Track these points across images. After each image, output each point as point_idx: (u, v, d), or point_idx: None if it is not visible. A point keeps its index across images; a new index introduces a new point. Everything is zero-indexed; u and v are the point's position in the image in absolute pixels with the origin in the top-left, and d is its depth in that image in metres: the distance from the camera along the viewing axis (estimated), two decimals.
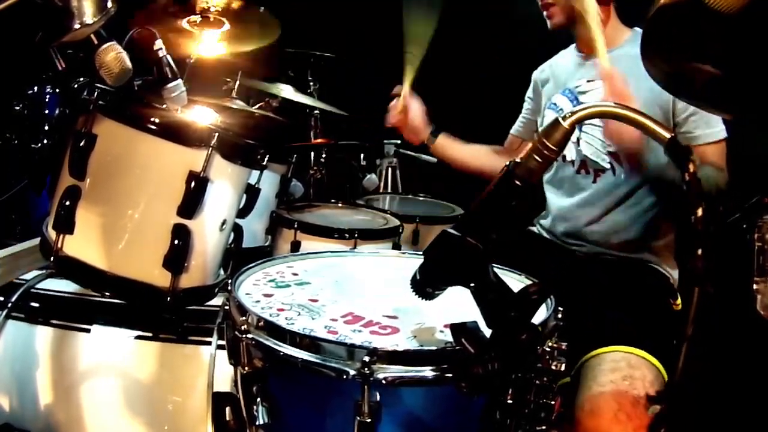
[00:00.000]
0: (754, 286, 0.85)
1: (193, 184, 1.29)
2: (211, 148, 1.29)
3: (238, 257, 1.60)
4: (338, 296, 1.10)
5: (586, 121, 1.59)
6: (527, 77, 1.94)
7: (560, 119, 0.82)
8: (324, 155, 2.84)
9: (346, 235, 1.89)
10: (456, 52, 3.20)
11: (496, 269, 0.87)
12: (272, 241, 2.07)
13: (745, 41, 0.71)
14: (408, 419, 0.88)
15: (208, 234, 1.37)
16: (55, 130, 2.07)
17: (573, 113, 0.82)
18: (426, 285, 0.88)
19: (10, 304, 1.46)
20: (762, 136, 1.59)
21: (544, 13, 1.66)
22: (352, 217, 2.21)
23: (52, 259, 1.30)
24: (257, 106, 2.46)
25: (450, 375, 0.83)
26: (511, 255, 1.18)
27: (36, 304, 1.47)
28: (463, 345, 0.83)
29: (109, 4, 1.09)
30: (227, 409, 1.16)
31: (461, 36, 3.18)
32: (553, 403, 0.93)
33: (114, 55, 1.16)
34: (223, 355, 1.33)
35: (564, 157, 1.67)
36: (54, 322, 1.45)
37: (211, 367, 1.38)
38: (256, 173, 1.61)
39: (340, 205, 2.34)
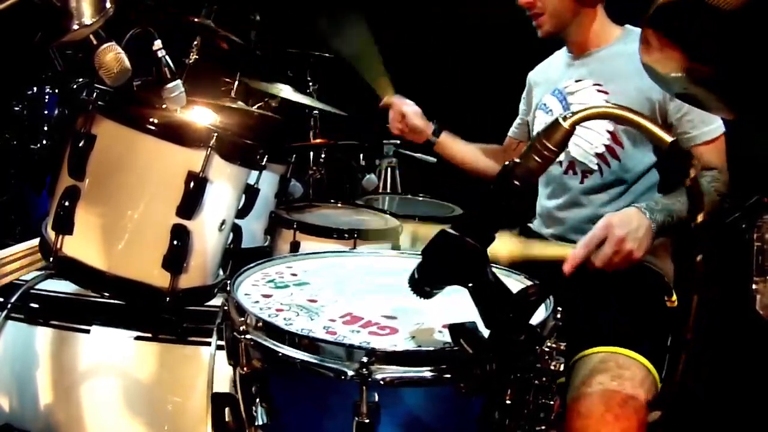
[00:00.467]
0: (754, 286, 0.85)
1: (192, 184, 1.28)
2: (210, 149, 1.29)
3: (237, 257, 1.60)
4: (337, 297, 1.10)
5: None
6: (524, 78, 1.95)
7: (560, 119, 0.82)
8: (323, 155, 2.84)
9: (346, 236, 1.89)
10: (454, 53, 3.22)
11: (494, 269, 0.87)
12: (271, 242, 2.07)
13: (744, 40, 0.71)
14: (406, 420, 0.88)
15: (208, 234, 1.37)
16: (54, 130, 2.08)
17: (574, 114, 0.82)
18: (424, 284, 0.88)
19: (9, 305, 1.45)
20: (762, 136, 1.58)
21: (533, 22, 1.65)
22: (351, 217, 2.21)
23: (51, 259, 1.30)
24: (256, 106, 2.47)
25: (448, 375, 0.83)
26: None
27: (35, 305, 1.47)
28: (462, 345, 0.83)
29: (108, 5, 1.09)
30: (226, 409, 1.16)
31: (458, 37, 3.19)
32: (552, 403, 0.93)
33: (113, 56, 1.15)
34: (222, 355, 1.33)
35: None
36: (53, 322, 1.45)
37: (210, 367, 1.38)
38: (255, 173, 1.61)
39: (339, 205, 2.34)
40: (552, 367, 0.92)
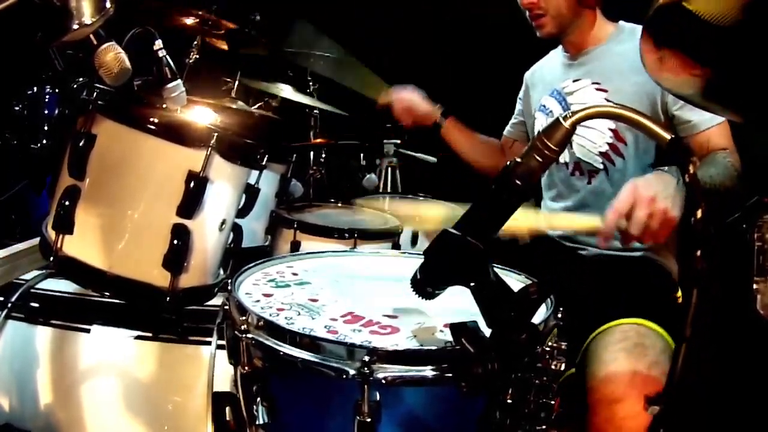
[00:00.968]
0: (754, 286, 0.85)
1: (192, 184, 1.29)
2: (210, 148, 1.29)
3: (237, 257, 1.60)
4: (338, 296, 1.10)
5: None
6: (520, 77, 1.94)
7: (561, 119, 0.82)
8: (324, 155, 2.84)
9: (346, 235, 1.89)
10: (450, 53, 3.22)
11: (496, 269, 0.87)
12: (272, 241, 2.07)
13: (742, 43, 0.71)
14: (408, 419, 0.88)
15: (208, 234, 1.37)
16: (54, 130, 2.08)
17: (574, 113, 0.82)
18: (426, 284, 0.88)
19: (10, 304, 1.46)
20: (762, 136, 1.58)
21: (533, 23, 1.65)
22: (351, 217, 2.21)
23: (51, 259, 1.30)
24: (257, 106, 2.47)
25: (450, 375, 0.83)
26: (512, 254, 1.18)
27: (36, 304, 1.47)
28: (463, 345, 0.83)
29: (108, 5, 1.09)
30: (227, 408, 1.16)
31: (455, 37, 3.19)
32: (552, 402, 0.93)
33: (113, 55, 1.15)
34: (222, 354, 1.33)
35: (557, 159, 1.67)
36: (54, 322, 1.45)
37: (210, 366, 1.38)
38: (255, 173, 1.62)
39: (339, 205, 2.34)
40: (553, 367, 0.92)
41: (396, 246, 2.02)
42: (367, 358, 0.81)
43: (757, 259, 0.85)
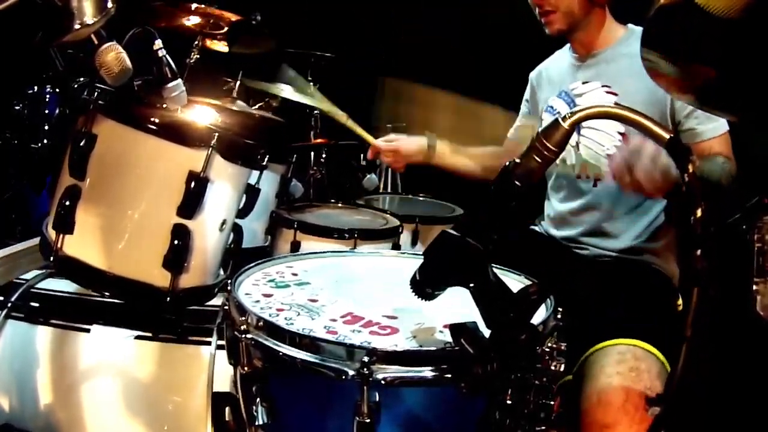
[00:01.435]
0: (754, 287, 0.85)
1: (193, 184, 1.29)
2: (211, 148, 1.29)
3: (237, 257, 1.60)
4: (338, 296, 1.10)
5: (586, 126, 1.60)
6: (526, 77, 1.94)
7: (560, 120, 0.82)
8: (324, 155, 2.84)
9: (346, 235, 1.89)
10: (455, 52, 3.21)
11: (495, 269, 0.87)
12: (272, 241, 2.07)
13: (744, 42, 0.71)
14: (407, 419, 0.88)
15: (208, 234, 1.37)
16: (55, 130, 2.08)
17: (573, 114, 0.82)
18: (426, 285, 0.88)
19: (10, 304, 1.46)
20: (762, 136, 1.58)
21: (542, 19, 1.64)
22: (352, 217, 2.21)
23: (51, 259, 1.30)
24: (257, 106, 2.47)
25: (449, 375, 0.83)
26: (512, 255, 1.17)
27: (36, 304, 1.47)
28: (463, 345, 0.83)
29: (109, 4, 1.09)
30: (227, 409, 1.17)
31: (460, 36, 3.19)
32: (552, 403, 0.93)
33: (114, 55, 1.16)
34: (222, 355, 1.33)
35: (564, 161, 1.67)
36: (54, 322, 1.45)
37: (210, 367, 1.38)
38: (256, 173, 1.61)
39: (340, 205, 2.34)
40: (552, 367, 0.92)
41: (396, 246, 2.02)
42: (366, 359, 0.81)
43: (757, 260, 0.85)
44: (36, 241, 1.44)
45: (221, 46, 2.30)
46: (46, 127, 2.11)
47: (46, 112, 2.14)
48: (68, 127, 1.36)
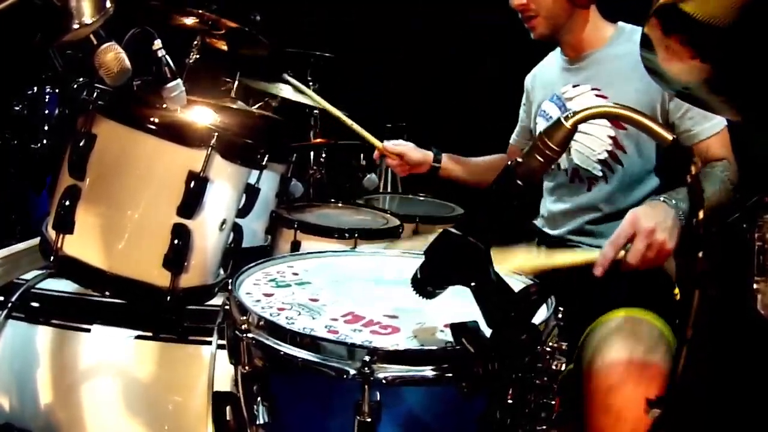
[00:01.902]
0: (754, 286, 0.85)
1: (192, 183, 1.29)
2: (210, 148, 1.29)
3: (237, 257, 1.60)
4: (338, 296, 1.10)
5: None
6: (522, 83, 1.94)
7: (562, 119, 0.82)
8: (324, 155, 2.84)
9: (346, 235, 1.89)
10: (452, 60, 3.22)
11: (496, 268, 0.87)
12: (272, 241, 2.07)
13: (740, 44, 0.71)
14: (408, 419, 0.88)
15: (208, 234, 1.37)
16: (54, 130, 2.08)
17: (575, 113, 0.82)
18: (427, 284, 0.88)
19: (10, 304, 1.45)
20: (762, 136, 1.58)
21: (525, 24, 1.63)
22: (352, 217, 2.21)
23: (51, 259, 1.30)
24: (257, 106, 2.47)
25: (450, 375, 0.83)
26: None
27: (36, 304, 1.47)
28: (464, 345, 0.83)
29: (108, 4, 1.09)
30: (227, 408, 1.16)
31: (457, 44, 3.19)
32: (553, 402, 0.93)
33: (113, 55, 1.15)
34: (223, 354, 1.33)
35: (558, 165, 1.67)
36: (54, 321, 1.45)
37: (211, 366, 1.38)
38: (255, 173, 1.61)
39: (339, 204, 2.34)
40: (553, 367, 0.92)
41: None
42: (367, 358, 0.81)
43: (757, 259, 0.85)
44: (36, 241, 1.43)
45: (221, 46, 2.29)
46: (46, 128, 2.11)
47: (46, 112, 2.13)
48: (68, 128, 1.36)
